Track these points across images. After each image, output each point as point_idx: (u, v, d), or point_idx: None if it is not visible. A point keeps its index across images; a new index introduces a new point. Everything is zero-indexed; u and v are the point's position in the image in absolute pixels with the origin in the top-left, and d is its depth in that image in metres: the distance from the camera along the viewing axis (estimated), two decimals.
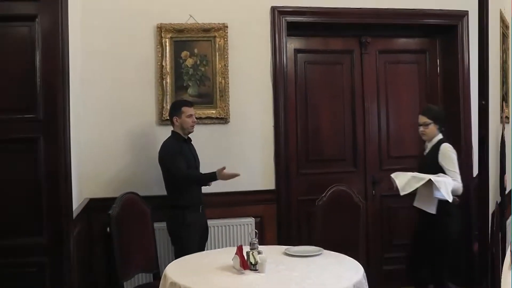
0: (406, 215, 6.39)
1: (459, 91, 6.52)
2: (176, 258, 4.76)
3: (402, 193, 4.93)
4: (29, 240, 3.91)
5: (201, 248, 5.01)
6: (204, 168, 5.33)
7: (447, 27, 6.63)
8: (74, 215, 4.25)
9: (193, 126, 5.18)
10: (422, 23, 6.53)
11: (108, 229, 4.59)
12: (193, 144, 5.33)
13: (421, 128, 5.20)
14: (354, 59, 6.61)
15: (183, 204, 5.00)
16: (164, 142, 5.14)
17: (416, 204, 5.17)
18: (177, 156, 5.00)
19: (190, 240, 4.95)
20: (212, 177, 5.00)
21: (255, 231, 4.29)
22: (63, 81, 4.05)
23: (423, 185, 4.86)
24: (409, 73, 6.79)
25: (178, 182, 5.03)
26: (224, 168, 4.97)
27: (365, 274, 3.83)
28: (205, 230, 5.27)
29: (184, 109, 5.12)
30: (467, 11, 6.47)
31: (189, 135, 5.25)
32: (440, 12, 6.46)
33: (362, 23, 6.36)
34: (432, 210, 4.94)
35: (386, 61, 6.70)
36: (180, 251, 4.86)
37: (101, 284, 5.49)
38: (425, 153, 5.26)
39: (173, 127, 5.20)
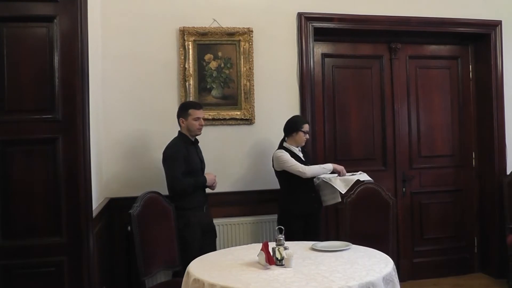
0: (436, 210, 6.82)
1: (493, 95, 6.70)
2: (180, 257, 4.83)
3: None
4: (48, 239, 3.87)
5: (210, 247, 4.93)
6: (229, 168, 5.57)
7: (480, 35, 6.76)
8: (94, 214, 4.21)
9: (200, 129, 5.08)
10: (453, 31, 6.62)
11: (129, 227, 4.53)
12: (216, 144, 5.34)
13: (307, 135, 5.39)
14: (383, 63, 6.72)
15: (187, 205, 4.95)
16: (169, 143, 5.06)
17: (326, 203, 5.48)
18: (178, 161, 4.92)
19: (194, 240, 4.91)
20: (203, 183, 5.02)
21: (281, 228, 4.17)
22: (82, 82, 4.01)
23: (326, 185, 5.37)
24: (440, 77, 6.93)
25: (171, 187, 4.97)
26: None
27: (395, 267, 3.71)
28: (210, 229, 5.18)
29: (191, 111, 5.03)
30: (500, 20, 6.68)
31: (196, 137, 5.17)
32: (472, 21, 6.59)
33: (391, 30, 6.43)
34: (338, 198, 5.39)
35: (416, 65, 6.85)
36: (184, 251, 4.88)
37: (122, 282, 5.52)
38: (303, 158, 5.40)
39: (180, 128, 5.12)
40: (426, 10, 6.41)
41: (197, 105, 5.12)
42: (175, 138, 5.08)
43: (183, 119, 5.04)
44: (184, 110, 5.08)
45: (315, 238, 4.78)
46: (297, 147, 5.35)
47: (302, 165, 5.17)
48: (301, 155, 5.35)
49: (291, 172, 5.15)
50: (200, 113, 5.05)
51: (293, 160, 5.19)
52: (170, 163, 4.94)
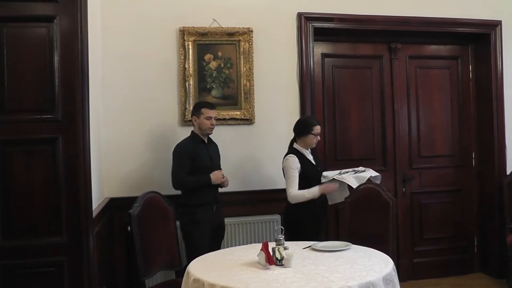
0: (436, 210, 6.82)
1: (493, 95, 6.69)
2: (186, 254, 4.93)
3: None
4: (48, 239, 3.87)
5: (214, 247, 4.97)
6: (229, 168, 5.54)
7: (480, 35, 6.75)
8: (94, 214, 4.21)
9: (211, 129, 5.17)
10: (453, 31, 6.61)
11: (129, 228, 4.54)
12: (217, 144, 5.36)
13: (318, 138, 5.22)
14: (383, 64, 6.71)
15: (195, 202, 5.03)
16: (179, 142, 5.16)
17: (332, 202, 5.40)
18: (182, 160, 5.03)
19: (201, 237, 4.98)
20: (207, 181, 5.04)
21: (281, 228, 4.18)
22: (82, 82, 4.01)
23: (333, 182, 5.22)
24: (440, 78, 6.92)
25: (172, 183, 5.05)
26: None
27: (395, 267, 3.70)
28: (219, 229, 5.24)
29: (204, 110, 5.12)
30: (500, 20, 6.67)
31: (209, 136, 5.26)
32: (472, 21, 6.58)
33: (391, 30, 6.43)
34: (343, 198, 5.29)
35: (416, 66, 6.84)
36: (190, 247, 4.96)
37: (122, 282, 5.55)
38: (314, 162, 5.27)
39: (193, 126, 5.21)
40: (426, 10, 6.41)
41: (209, 105, 5.22)
42: (185, 138, 5.19)
43: (196, 118, 5.14)
44: (197, 108, 5.18)
45: (318, 240, 4.76)
46: (307, 149, 5.23)
47: (293, 191, 4.96)
48: (311, 157, 5.23)
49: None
50: (212, 113, 5.14)
51: (293, 179, 5.00)
52: (174, 160, 5.07)
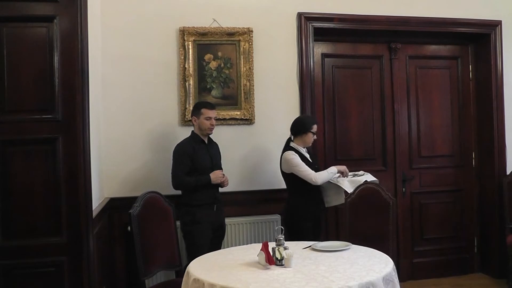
0: (436, 210, 6.81)
1: (493, 95, 6.67)
2: (187, 254, 4.94)
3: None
4: (48, 239, 3.88)
5: (215, 246, 4.99)
6: (229, 168, 5.50)
7: (480, 35, 6.74)
8: (94, 214, 4.22)
9: (211, 129, 5.18)
10: (453, 31, 6.60)
11: (129, 227, 4.53)
12: (218, 144, 5.37)
13: (315, 136, 5.33)
14: (383, 64, 6.70)
15: (195, 202, 5.05)
16: (179, 142, 5.17)
17: (329, 204, 5.44)
18: (182, 160, 5.05)
19: (201, 237, 4.99)
20: (207, 181, 5.05)
21: (281, 228, 4.18)
22: (82, 82, 4.01)
23: (330, 185, 5.32)
24: (440, 78, 6.91)
25: (172, 183, 5.08)
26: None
27: (395, 267, 3.70)
28: (219, 229, 5.24)
29: (204, 110, 5.13)
30: (500, 20, 6.66)
31: (210, 136, 5.26)
32: (472, 21, 6.57)
33: (391, 30, 6.42)
34: (342, 200, 5.27)
35: (416, 65, 6.83)
36: (191, 246, 4.98)
37: (122, 282, 5.55)
38: (310, 159, 5.32)
39: (193, 127, 5.22)
40: (426, 10, 6.40)
41: (209, 105, 5.23)
42: (185, 138, 5.20)
43: (196, 118, 5.15)
44: (197, 109, 5.19)
45: (318, 239, 4.79)
46: (304, 147, 5.29)
47: (314, 173, 5.07)
48: (307, 155, 5.28)
49: (301, 177, 5.08)
50: (212, 113, 5.15)
51: (305, 165, 5.10)
52: (173, 160, 5.09)
